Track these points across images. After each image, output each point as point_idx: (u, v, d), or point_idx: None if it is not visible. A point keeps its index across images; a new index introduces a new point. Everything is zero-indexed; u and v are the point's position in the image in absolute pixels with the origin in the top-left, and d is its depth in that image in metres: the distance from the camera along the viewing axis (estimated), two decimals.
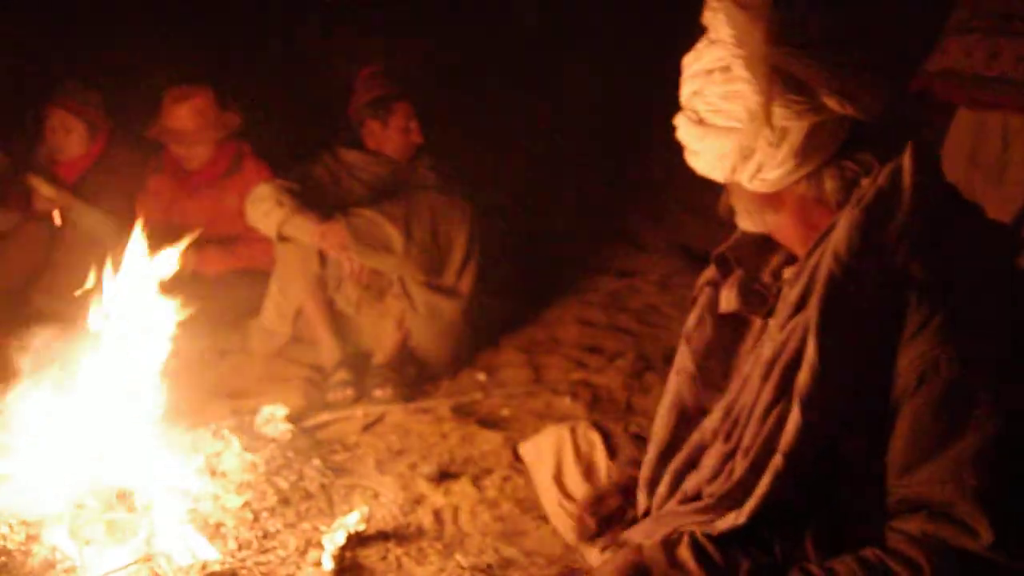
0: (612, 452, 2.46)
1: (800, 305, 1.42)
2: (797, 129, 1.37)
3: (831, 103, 1.36)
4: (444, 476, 2.80)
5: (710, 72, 1.43)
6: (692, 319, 1.69)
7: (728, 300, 1.61)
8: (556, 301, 4.26)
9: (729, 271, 1.64)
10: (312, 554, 2.37)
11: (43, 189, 4.01)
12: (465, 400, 3.39)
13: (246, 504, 2.54)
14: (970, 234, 1.41)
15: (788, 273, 1.54)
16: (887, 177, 1.37)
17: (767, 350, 1.46)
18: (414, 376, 3.54)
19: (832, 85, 1.36)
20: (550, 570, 2.34)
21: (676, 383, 1.70)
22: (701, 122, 1.46)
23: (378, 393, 3.39)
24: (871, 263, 1.35)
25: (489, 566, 2.35)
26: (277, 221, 3.48)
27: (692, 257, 4.61)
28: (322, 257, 3.58)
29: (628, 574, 1.44)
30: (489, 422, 3.21)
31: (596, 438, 2.34)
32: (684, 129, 1.50)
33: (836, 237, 1.37)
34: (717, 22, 1.42)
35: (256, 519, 2.50)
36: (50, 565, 2.13)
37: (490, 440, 3.06)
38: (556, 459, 2.27)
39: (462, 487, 2.75)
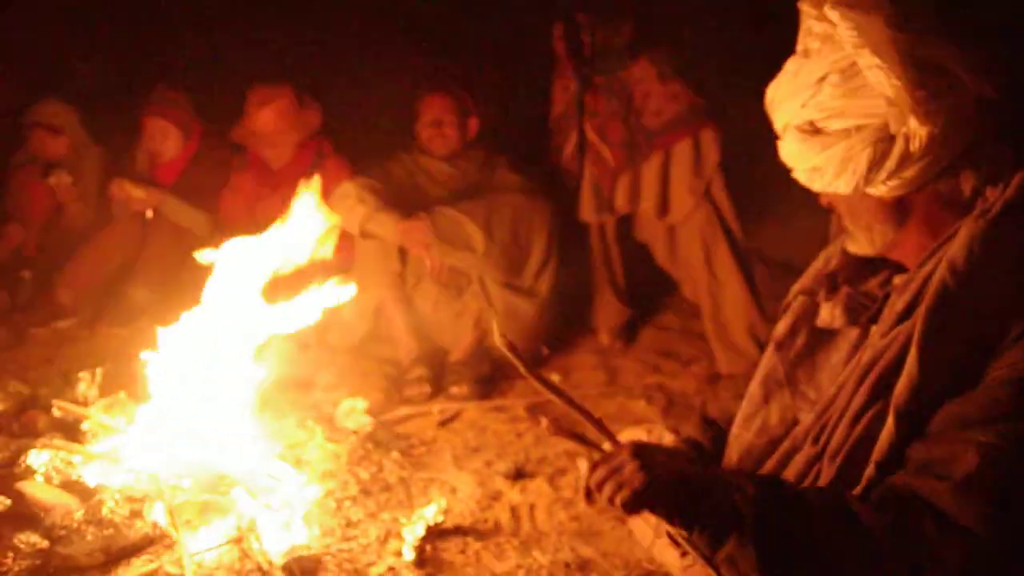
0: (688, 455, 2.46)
1: (906, 314, 1.39)
2: (936, 112, 1.32)
3: (968, 80, 1.31)
4: (520, 474, 2.84)
5: (821, 79, 1.40)
6: (783, 327, 1.67)
7: (833, 317, 1.58)
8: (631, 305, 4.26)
9: (834, 288, 1.60)
10: (392, 544, 2.42)
11: (134, 192, 4.16)
12: (540, 400, 3.42)
13: (329, 493, 2.62)
14: None
15: (899, 280, 1.50)
16: (1017, 188, 1.33)
17: (866, 355, 1.44)
18: (489, 375, 3.59)
19: (966, 61, 1.31)
20: (627, 572, 2.35)
21: (763, 390, 1.68)
22: (818, 132, 1.42)
23: (454, 390, 3.45)
24: (987, 280, 1.31)
25: (567, 564, 2.37)
26: (360, 218, 3.56)
27: (767, 263, 4.58)
28: (402, 254, 3.65)
29: None
30: (564, 423, 3.23)
31: (671, 441, 2.34)
32: (796, 145, 1.46)
33: (954, 248, 1.33)
34: (825, 27, 1.40)
35: (339, 508, 2.57)
36: (150, 540, 2.23)
37: (565, 441, 3.07)
38: None
39: (538, 486, 2.78)
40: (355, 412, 3.08)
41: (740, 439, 1.69)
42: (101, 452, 2.50)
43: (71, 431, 2.69)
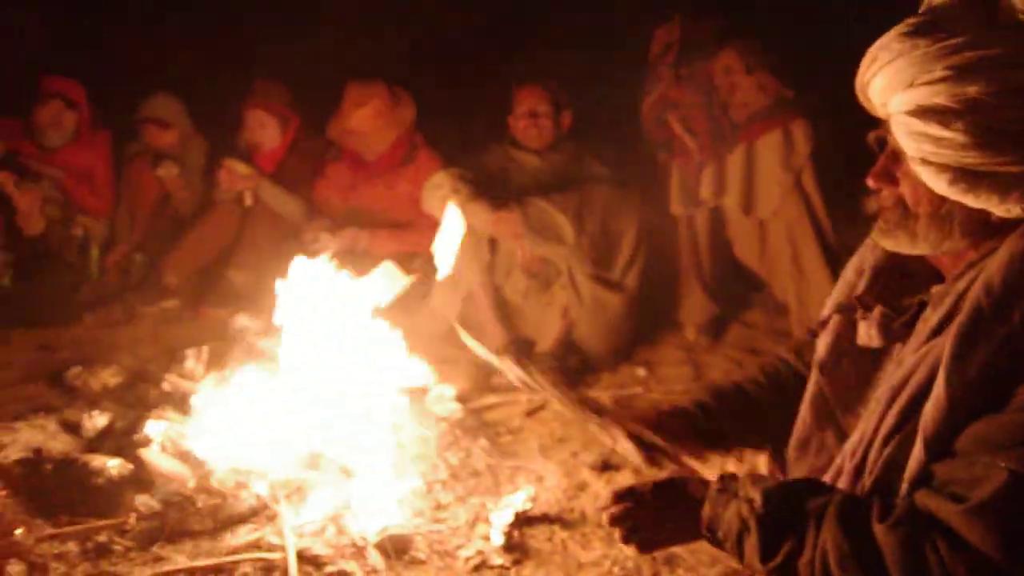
0: (776, 457, 2.45)
1: (938, 330, 1.34)
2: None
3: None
4: (606, 466, 2.87)
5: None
6: (824, 348, 1.61)
7: (870, 337, 1.52)
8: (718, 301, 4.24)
9: (869, 307, 1.54)
10: (480, 528, 2.48)
11: (239, 168, 4.31)
12: (625, 393, 3.45)
13: (420, 475, 2.69)
14: None
15: (936, 290, 1.44)
16: None
17: (896, 375, 1.40)
18: (575, 366, 3.63)
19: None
20: (713, 569, 2.37)
21: (813, 413, 1.63)
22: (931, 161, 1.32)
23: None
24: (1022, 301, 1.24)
25: (653, 557, 2.40)
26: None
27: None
28: (492, 244, 3.71)
29: None
30: None
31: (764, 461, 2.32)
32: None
33: (993, 265, 1.28)
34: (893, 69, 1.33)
35: (429, 490, 2.64)
36: (255, 511, 2.34)
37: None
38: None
39: (624, 478, 2.80)
40: (444, 399, 3.15)
41: (801, 462, 1.66)
42: (209, 426, 2.62)
43: (180, 405, 2.83)
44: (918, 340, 1.39)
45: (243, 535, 2.28)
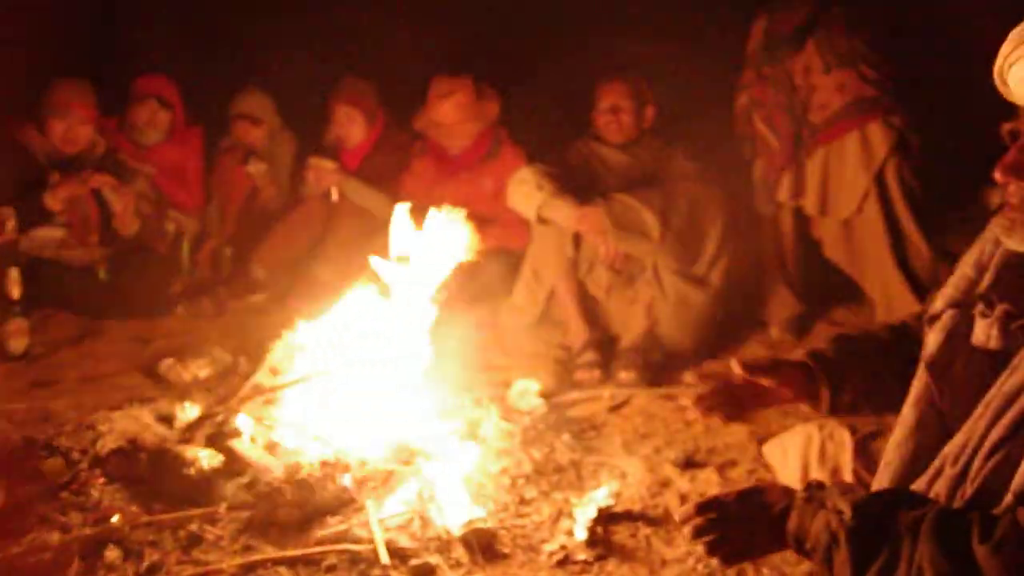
0: (862, 453, 2.38)
1: None
2: None
3: None
4: (690, 463, 2.83)
5: None
6: (935, 344, 1.54)
7: (990, 337, 1.45)
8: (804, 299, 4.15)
9: (991, 304, 1.47)
10: (564, 523, 2.47)
11: (325, 164, 4.40)
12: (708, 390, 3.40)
13: (504, 470, 2.70)
14: None
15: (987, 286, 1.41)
16: None
17: (1010, 382, 1.33)
18: (659, 362, 3.59)
19: None
20: (799, 567, 2.32)
21: (916, 412, 1.56)
22: None
23: (624, 376, 3.47)
24: None
25: None
26: (537, 203, 3.64)
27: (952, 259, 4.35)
28: (576, 240, 3.70)
29: None
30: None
31: (846, 437, 2.26)
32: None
33: None
34: None
35: (513, 485, 2.64)
36: (342, 503, 2.39)
37: (735, 432, 3.05)
38: (803, 459, 2.23)
39: (707, 476, 2.77)
40: (528, 394, 3.16)
41: (891, 466, 1.58)
42: (296, 420, 2.68)
43: (269, 398, 2.90)
44: None
45: (330, 527, 2.31)
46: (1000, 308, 1.43)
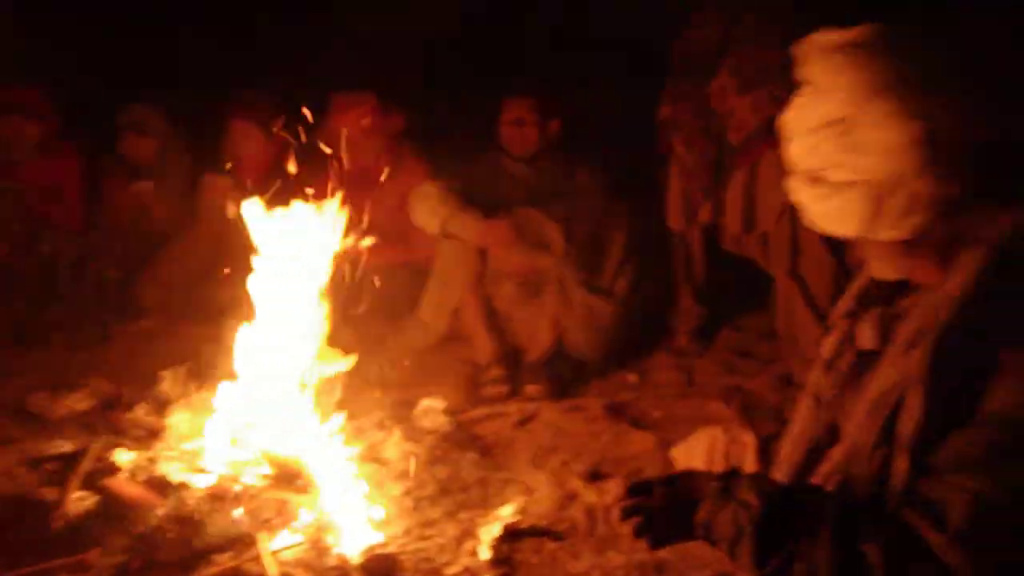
0: (764, 455, 2.41)
1: (913, 343, 1.36)
2: (939, 166, 1.31)
3: (971, 131, 1.31)
4: (597, 475, 2.81)
5: (823, 127, 1.38)
6: (830, 346, 1.64)
7: (867, 338, 1.55)
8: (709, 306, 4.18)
9: (869, 305, 1.57)
10: (468, 543, 2.42)
11: (221, 181, 4.27)
12: (617, 400, 3.40)
13: (406, 492, 2.63)
14: None
15: (905, 303, 1.49)
16: (1012, 223, 1.32)
17: (874, 387, 1.43)
18: (567, 375, 3.57)
19: (968, 113, 1.31)
20: (703, 573, 2.31)
21: (809, 409, 1.68)
22: (819, 180, 1.41)
23: (531, 390, 3.44)
24: (990, 305, 1.30)
25: (643, 565, 2.34)
26: (442, 218, 3.59)
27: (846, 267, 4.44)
28: (482, 255, 3.66)
29: None
30: (641, 423, 3.21)
31: (749, 439, 2.29)
32: (802, 192, 1.45)
33: (958, 276, 1.33)
34: (820, 73, 1.39)
35: (416, 507, 2.58)
36: (231, 538, 2.27)
37: (642, 441, 3.05)
38: (708, 462, 2.25)
39: (615, 487, 2.74)
40: (433, 412, 3.10)
41: (789, 459, 1.69)
42: (183, 451, 2.56)
43: (155, 429, 2.77)
44: (897, 350, 1.41)
45: (219, 564, 2.20)
46: (875, 311, 1.53)
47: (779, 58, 3.59)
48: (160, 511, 2.24)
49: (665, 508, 1.53)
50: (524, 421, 3.25)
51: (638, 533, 1.53)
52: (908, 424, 1.33)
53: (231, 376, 2.68)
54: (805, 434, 1.68)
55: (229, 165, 4.42)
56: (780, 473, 1.68)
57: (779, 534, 1.36)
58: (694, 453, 2.46)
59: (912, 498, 1.30)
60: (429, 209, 3.67)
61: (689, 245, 3.91)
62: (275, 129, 4.45)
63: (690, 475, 1.59)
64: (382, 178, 4.22)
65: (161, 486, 2.37)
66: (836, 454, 1.56)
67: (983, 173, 1.33)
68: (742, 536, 1.39)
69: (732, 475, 1.50)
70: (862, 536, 1.30)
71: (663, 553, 2.37)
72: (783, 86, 3.54)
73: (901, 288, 1.53)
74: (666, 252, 3.99)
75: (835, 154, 1.37)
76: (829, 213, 1.42)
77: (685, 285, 3.95)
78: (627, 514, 1.55)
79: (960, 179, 1.32)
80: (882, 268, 1.49)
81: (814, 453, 1.65)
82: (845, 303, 1.65)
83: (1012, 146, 1.33)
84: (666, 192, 3.86)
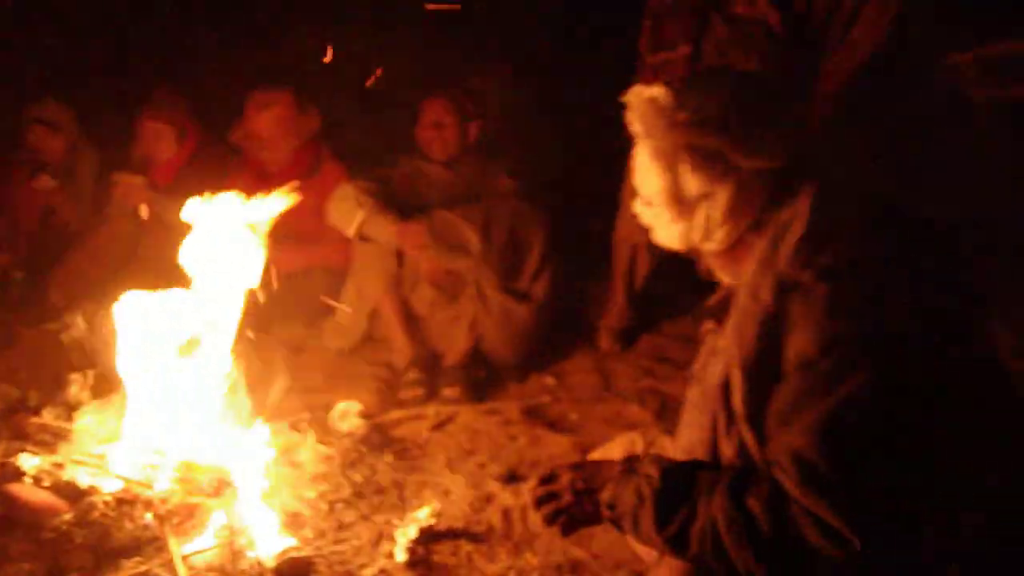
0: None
1: (730, 329, 1.58)
2: (724, 191, 1.57)
3: (744, 161, 1.56)
4: (513, 477, 2.84)
5: (642, 161, 1.65)
6: (698, 362, 1.82)
7: (719, 347, 1.70)
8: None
9: (722, 319, 1.73)
10: (385, 546, 2.42)
11: (133, 179, 4.16)
12: (534, 403, 3.43)
13: (322, 495, 2.62)
14: (862, 238, 1.51)
15: (728, 288, 1.72)
16: (790, 209, 1.54)
17: (712, 375, 1.62)
18: (484, 378, 3.59)
19: (740, 146, 1.55)
20: (618, 573, 2.35)
21: (689, 418, 1.80)
22: (649, 203, 1.67)
23: (448, 393, 3.44)
24: (768, 278, 1.50)
25: (559, 566, 2.38)
26: (358, 220, 3.57)
27: None
28: (399, 257, 3.65)
29: None
30: (558, 426, 3.24)
31: (667, 443, 2.34)
32: (643, 214, 1.70)
33: (751, 264, 1.56)
34: (631, 119, 1.64)
35: (331, 510, 2.57)
36: (140, 542, 2.22)
37: (559, 444, 3.09)
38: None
39: (531, 489, 2.77)
40: (349, 415, 3.08)
41: (680, 446, 1.81)
42: (91, 455, 2.50)
43: (61, 433, 2.69)
44: (719, 343, 1.65)
45: (128, 569, 2.14)
46: (708, 323, 1.78)
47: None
48: (67, 516, 2.17)
49: (573, 495, 1.68)
50: (441, 424, 3.25)
51: (549, 521, 1.71)
52: (737, 399, 1.52)
53: (140, 378, 2.62)
54: (682, 442, 1.82)
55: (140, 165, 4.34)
56: (677, 454, 1.79)
57: (678, 498, 1.51)
58: (612, 457, 2.49)
59: (771, 457, 1.46)
60: (345, 211, 3.65)
61: (637, 252, 3.91)
62: (188, 128, 4.39)
63: (597, 464, 1.77)
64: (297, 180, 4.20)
65: (68, 492, 2.30)
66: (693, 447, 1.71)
67: (768, 188, 1.58)
68: (644, 502, 1.53)
69: (634, 459, 1.65)
70: (747, 494, 1.45)
71: (578, 554, 2.42)
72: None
73: None
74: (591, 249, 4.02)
75: (652, 179, 1.64)
76: (660, 231, 1.68)
77: (623, 290, 3.94)
78: (539, 503, 1.72)
79: (747, 199, 1.58)
80: (724, 276, 1.72)
81: (690, 453, 1.77)
82: (707, 323, 1.83)
83: (788, 165, 1.58)
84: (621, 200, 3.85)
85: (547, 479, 1.74)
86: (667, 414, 3.32)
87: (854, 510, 1.35)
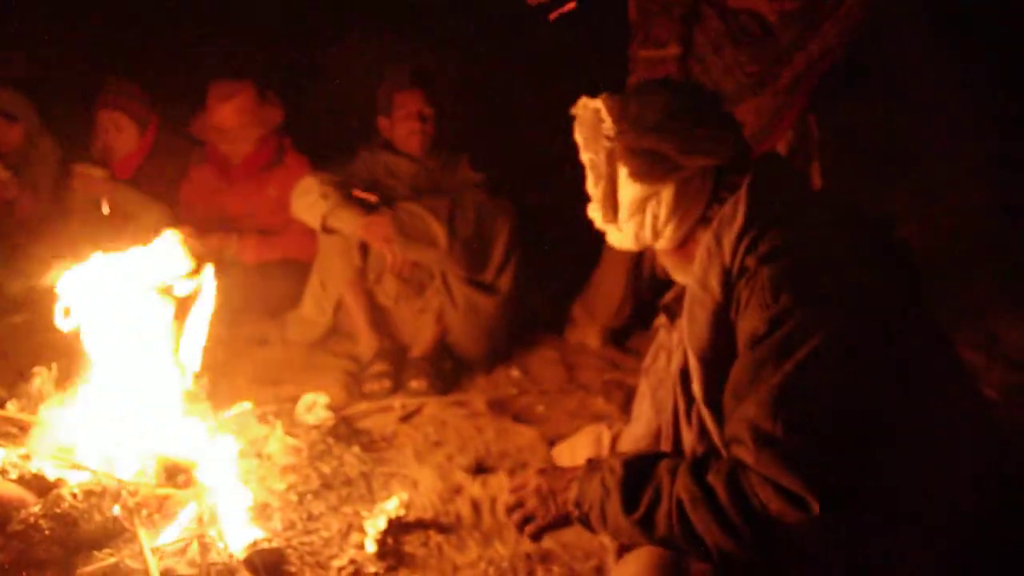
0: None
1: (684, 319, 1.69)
2: (667, 190, 1.70)
3: (684, 160, 1.68)
4: (481, 468, 2.86)
5: (590, 168, 1.79)
6: (649, 356, 1.96)
7: (672, 341, 1.85)
8: None
9: (675, 316, 1.85)
10: (354, 537, 2.42)
11: (94, 171, 4.10)
12: (500, 395, 3.45)
13: (291, 487, 2.61)
14: (797, 221, 1.61)
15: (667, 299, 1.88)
16: (731, 203, 1.65)
17: (672, 365, 1.74)
18: (450, 370, 3.60)
19: (679, 147, 1.67)
20: (588, 563, 2.38)
21: (639, 411, 1.95)
22: (599, 207, 1.80)
23: (414, 385, 3.45)
24: (715, 268, 1.61)
25: (528, 556, 2.39)
26: (322, 213, 3.56)
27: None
28: (364, 250, 3.65)
29: None
30: (524, 418, 3.27)
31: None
32: (596, 217, 1.83)
33: (695, 259, 1.66)
34: (577, 129, 1.78)
35: (300, 501, 2.57)
36: (110, 534, 2.20)
37: (525, 435, 3.11)
38: (595, 455, 2.31)
39: (499, 480, 2.79)
40: (316, 407, 3.07)
41: (637, 438, 1.99)
42: (59, 447, 2.47)
43: (27, 426, 2.65)
44: (679, 332, 1.75)
45: (98, 561, 2.13)
46: (660, 319, 1.94)
47: None
48: (35, 508, 2.15)
49: (542, 497, 1.87)
50: (408, 416, 3.26)
51: (519, 528, 1.90)
52: (696, 385, 1.61)
53: (107, 371, 2.59)
54: (631, 434, 1.98)
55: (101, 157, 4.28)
56: (633, 446, 1.97)
57: (642, 484, 1.59)
58: (578, 450, 2.53)
59: (731, 438, 1.54)
60: (309, 204, 3.63)
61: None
62: (148, 119, 4.33)
63: (561, 469, 1.95)
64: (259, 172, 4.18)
65: (35, 484, 2.27)
66: (661, 439, 1.83)
67: (710, 186, 1.70)
68: (609, 493, 1.61)
69: (596, 460, 1.74)
70: (707, 472, 1.54)
71: (548, 544, 2.43)
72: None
73: None
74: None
75: (592, 188, 1.78)
76: (613, 234, 1.80)
77: (624, 280, 3.85)
78: (509, 511, 1.93)
79: (691, 197, 1.70)
80: (680, 274, 1.82)
81: (640, 442, 1.95)
82: (659, 319, 1.96)
83: (730, 163, 1.71)
84: None
85: (516, 488, 1.90)
86: (631, 406, 3.37)
87: (810, 471, 1.40)
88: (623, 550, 1.76)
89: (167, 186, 4.30)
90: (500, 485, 2.76)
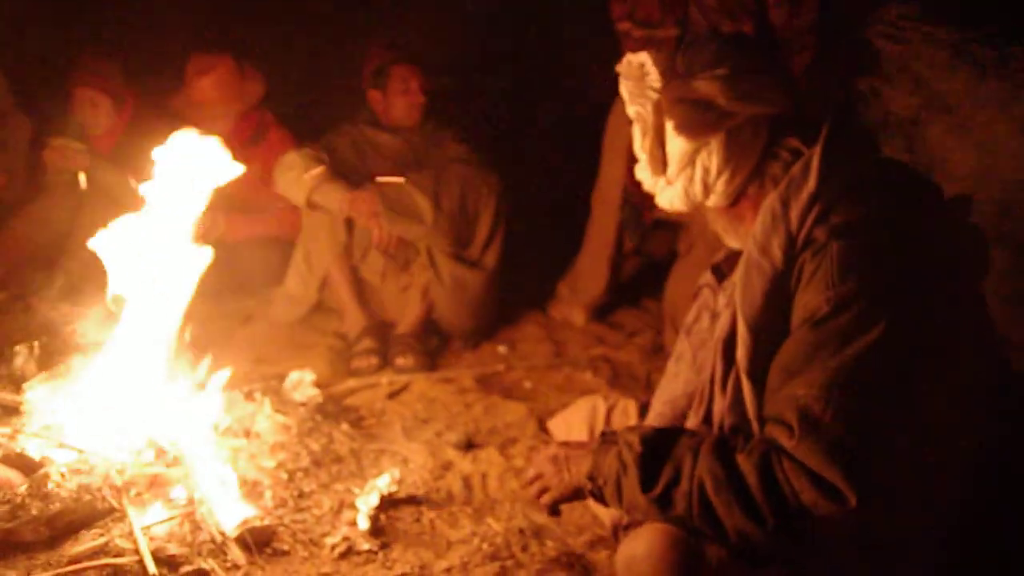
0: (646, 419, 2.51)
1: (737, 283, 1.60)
2: (717, 140, 1.60)
3: (735, 107, 1.58)
4: (471, 444, 2.86)
5: (638, 125, 1.70)
6: (691, 315, 1.88)
7: (719, 304, 1.77)
8: None
9: (724, 277, 1.79)
10: (346, 514, 2.42)
11: (73, 144, 4.02)
12: (488, 371, 3.44)
13: (280, 464, 2.60)
14: (873, 196, 1.52)
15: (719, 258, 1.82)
16: (801, 164, 1.55)
17: (717, 329, 1.65)
18: (436, 346, 3.59)
19: (728, 93, 1.58)
20: (581, 538, 2.38)
21: (676, 369, 1.88)
22: (647, 166, 1.71)
23: (400, 362, 3.43)
24: (779, 235, 1.52)
25: (521, 531, 2.40)
26: (306, 188, 3.51)
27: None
28: (349, 226, 3.61)
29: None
30: (512, 394, 3.27)
31: (631, 406, 2.38)
32: (641, 177, 1.74)
33: (756, 221, 1.57)
34: (622, 84, 1.70)
35: (291, 479, 2.55)
36: (98, 513, 2.17)
37: (514, 411, 3.11)
38: (590, 430, 2.31)
39: (489, 455, 2.80)
40: (303, 384, 3.04)
41: (659, 413, 1.89)
42: (44, 427, 2.43)
43: (11, 406, 2.61)
44: (727, 295, 1.67)
45: (87, 541, 2.10)
46: (706, 277, 1.85)
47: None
48: (21, 489, 2.11)
49: (558, 469, 1.74)
50: (395, 393, 3.25)
51: (538, 499, 1.78)
52: (741, 350, 1.53)
53: (92, 349, 2.55)
54: (667, 393, 1.87)
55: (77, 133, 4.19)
56: (655, 422, 1.86)
57: (661, 460, 1.51)
58: (573, 423, 2.51)
59: (768, 414, 1.47)
60: (293, 179, 3.57)
61: (640, 212, 3.72)
62: (125, 95, 4.24)
63: (579, 441, 1.85)
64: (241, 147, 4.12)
65: (20, 464, 2.23)
66: (695, 402, 1.75)
67: (768, 138, 1.61)
68: (627, 468, 1.54)
69: (611, 433, 1.66)
70: (735, 453, 1.46)
71: (541, 519, 2.44)
72: None
73: None
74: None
75: (643, 145, 1.69)
76: (662, 194, 1.70)
77: (606, 255, 3.82)
78: (528, 484, 1.80)
79: (742, 147, 1.61)
80: (730, 237, 1.73)
81: (680, 404, 1.83)
82: (704, 277, 1.86)
83: (785, 112, 1.61)
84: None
85: (530, 460, 1.87)
86: (619, 381, 3.37)
87: (853, 464, 1.35)
88: (624, 528, 1.75)
89: (147, 163, 4.22)
90: (490, 461, 2.77)
